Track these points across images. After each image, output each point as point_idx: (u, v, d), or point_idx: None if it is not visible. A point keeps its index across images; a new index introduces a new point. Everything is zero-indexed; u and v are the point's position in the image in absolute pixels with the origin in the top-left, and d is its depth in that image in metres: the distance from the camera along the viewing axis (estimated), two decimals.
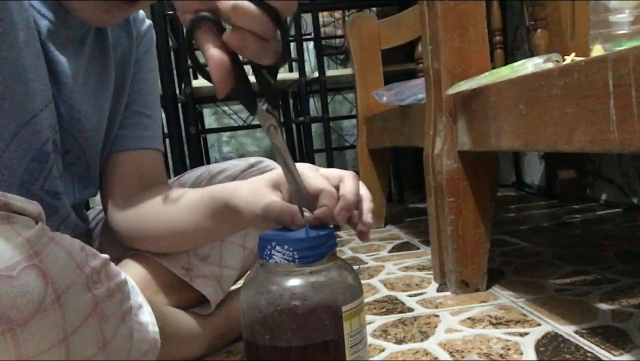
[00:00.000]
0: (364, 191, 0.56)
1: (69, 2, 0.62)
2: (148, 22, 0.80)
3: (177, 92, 2.13)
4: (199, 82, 2.14)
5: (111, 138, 0.76)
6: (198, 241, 0.75)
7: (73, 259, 0.46)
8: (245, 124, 2.95)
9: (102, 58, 0.70)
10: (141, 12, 0.79)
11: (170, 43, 2.11)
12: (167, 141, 1.97)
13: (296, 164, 0.55)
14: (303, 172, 0.55)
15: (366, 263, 1.32)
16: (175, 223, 0.70)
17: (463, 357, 0.73)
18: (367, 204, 0.55)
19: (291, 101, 2.73)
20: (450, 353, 0.75)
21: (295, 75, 2.17)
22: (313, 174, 0.55)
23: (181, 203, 0.68)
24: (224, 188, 0.64)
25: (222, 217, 0.63)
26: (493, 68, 0.91)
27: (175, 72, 2.12)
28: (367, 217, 0.53)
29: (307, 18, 2.30)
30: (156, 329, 0.56)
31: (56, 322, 0.42)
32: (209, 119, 3.53)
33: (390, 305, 0.98)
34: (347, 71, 2.07)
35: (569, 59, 0.80)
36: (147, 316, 0.55)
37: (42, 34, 0.61)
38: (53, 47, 0.62)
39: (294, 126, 2.75)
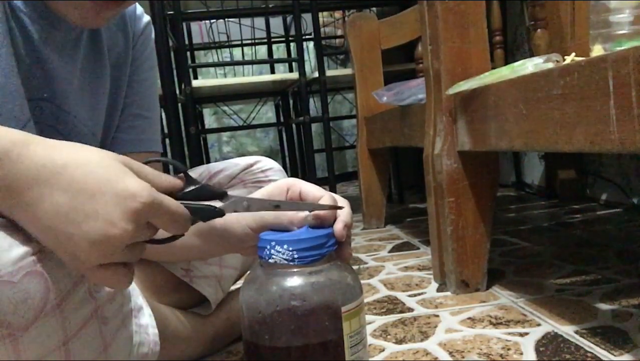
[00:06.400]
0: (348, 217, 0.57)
1: (53, 5, 0.59)
2: (146, 18, 0.77)
3: (177, 92, 2.13)
4: (199, 82, 2.14)
5: (108, 142, 0.74)
6: (190, 257, 0.75)
7: None
8: (245, 124, 2.95)
9: (97, 61, 0.68)
10: (139, 8, 0.75)
11: (170, 43, 2.10)
12: (167, 141, 1.96)
13: (285, 179, 0.59)
14: (293, 183, 0.57)
15: (366, 263, 1.31)
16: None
17: (463, 357, 0.73)
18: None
19: (291, 101, 2.73)
20: (450, 353, 0.75)
21: (295, 75, 2.17)
22: (309, 186, 0.57)
23: None
24: None
25: (208, 237, 0.63)
26: (493, 68, 0.91)
27: (175, 72, 2.12)
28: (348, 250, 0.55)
29: (307, 18, 2.29)
30: (156, 331, 0.56)
31: (57, 327, 0.41)
32: (209, 119, 3.53)
33: (390, 305, 0.98)
34: (347, 71, 2.07)
35: (569, 59, 0.80)
36: (147, 319, 0.55)
37: (34, 39, 0.59)
38: (47, 51, 0.60)
39: (294, 126, 2.75)
